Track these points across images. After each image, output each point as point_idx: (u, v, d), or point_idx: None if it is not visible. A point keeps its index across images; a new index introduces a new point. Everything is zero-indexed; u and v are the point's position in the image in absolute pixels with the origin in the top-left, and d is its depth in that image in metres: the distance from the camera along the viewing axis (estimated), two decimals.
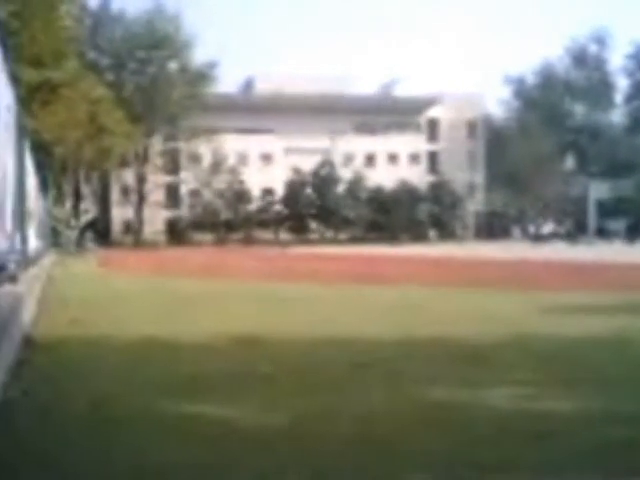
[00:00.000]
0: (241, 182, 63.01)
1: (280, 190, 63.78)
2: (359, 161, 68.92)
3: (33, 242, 15.16)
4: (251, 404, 5.12)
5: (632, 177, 69.88)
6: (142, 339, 8.23)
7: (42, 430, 4.39)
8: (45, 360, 6.81)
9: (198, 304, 12.47)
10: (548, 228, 65.37)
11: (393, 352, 7.38)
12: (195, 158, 63.16)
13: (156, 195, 62.66)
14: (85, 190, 46.31)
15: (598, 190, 66.56)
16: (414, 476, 3.63)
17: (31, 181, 14.99)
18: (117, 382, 5.87)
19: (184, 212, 64.42)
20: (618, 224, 64.34)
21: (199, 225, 61.77)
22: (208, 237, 60.75)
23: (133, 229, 61.53)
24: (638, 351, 7.68)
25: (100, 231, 50.97)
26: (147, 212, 61.81)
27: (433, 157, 73.55)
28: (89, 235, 42.82)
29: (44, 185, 26.86)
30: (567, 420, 4.68)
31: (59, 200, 45.73)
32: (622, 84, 77.42)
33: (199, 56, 61.02)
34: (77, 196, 49.33)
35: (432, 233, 64.30)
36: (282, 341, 8.07)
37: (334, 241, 60.57)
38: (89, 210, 46.79)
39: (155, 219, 63.02)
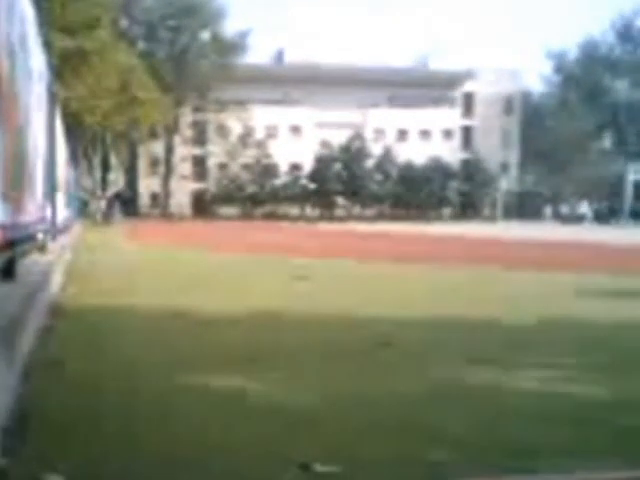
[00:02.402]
0: (268, 156, 62.86)
1: (308, 164, 63.38)
2: (391, 136, 68.15)
3: (62, 212, 15.35)
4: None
5: None
6: (170, 309, 8.16)
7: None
8: (72, 328, 6.84)
9: (225, 278, 12.25)
10: (582, 209, 64.53)
11: (425, 333, 7.21)
12: (223, 130, 63.15)
13: (183, 167, 63.02)
14: (113, 161, 46.60)
15: (636, 171, 65.55)
16: (446, 455, 3.55)
17: (61, 151, 15.15)
18: (141, 350, 5.89)
19: (211, 185, 64.54)
20: None
21: (225, 199, 61.95)
22: (233, 211, 60.95)
23: (160, 201, 62.01)
24: None
25: (127, 203, 51.46)
26: (174, 184, 62.11)
27: (467, 133, 72.66)
28: (117, 206, 43.22)
29: (74, 155, 27.06)
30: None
31: (88, 171, 46.08)
32: None
33: (230, 26, 60.94)
34: (105, 167, 49.73)
35: (458, 211, 63.64)
36: (307, 319, 7.82)
37: (361, 217, 60.21)
38: (118, 181, 47.10)
39: (182, 192, 63.39)
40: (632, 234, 36.33)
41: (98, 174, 47.19)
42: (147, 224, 41.34)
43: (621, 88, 75.83)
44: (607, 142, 73.61)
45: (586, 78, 73.02)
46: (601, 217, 59.69)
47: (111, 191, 46.46)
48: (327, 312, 8.29)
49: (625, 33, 75.34)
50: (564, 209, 62.77)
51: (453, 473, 3.28)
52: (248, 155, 62.92)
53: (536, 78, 77.70)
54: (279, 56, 71.24)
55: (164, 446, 3.44)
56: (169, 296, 9.33)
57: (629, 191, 64.04)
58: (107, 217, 42.06)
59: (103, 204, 44.01)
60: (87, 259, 15.51)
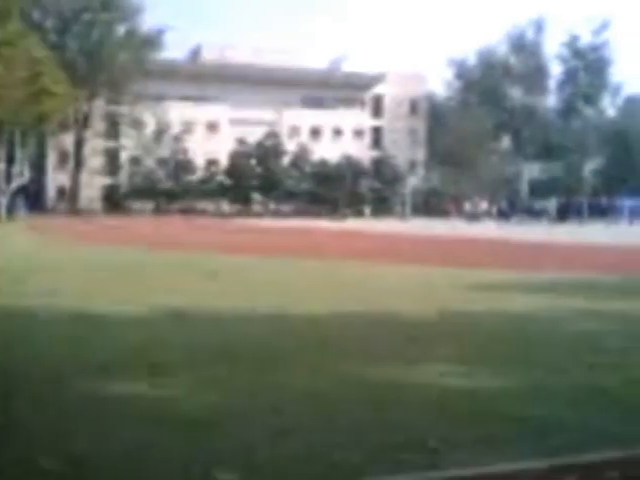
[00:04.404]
0: (184, 151, 58.60)
1: (225, 160, 59.31)
2: (305, 134, 65.40)
3: None
4: None
5: (563, 159, 69.55)
6: (69, 313, 7.42)
7: None
8: None
9: (126, 276, 11.49)
10: (484, 206, 64.07)
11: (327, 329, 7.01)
12: (138, 124, 58.68)
13: (94, 161, 58.10)
14: (20, 154, 42.00)
15: (531, 170, 65.75)
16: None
17: None
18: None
19: (123, 180, 59.40)
20: (549, 204, 63.44)
21: (138, 193, 56.79)
22: (147, 206, 56.29)
23: (68, 195, 56.74)
24: (569, 329, 7.46)
25: (33, 197, 46.99)
26: (84, 179, 56.74)
27: (377, 133, 70.94)
28: (20, 201, 38.60)
29: None
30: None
31: None
32: (556, 71, 76.53)
33: (147, 22, 57.55)
34: (10, 159, 45.07)
35: (371, 208, 62.11)
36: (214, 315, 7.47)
37: (277, 213, 57.39)
38: (23, 174, 42.29)
39: (92, 186, 58.00)
40: (528, 230, 36.24)
41: (2, 166, 42.27)
42: (51, 220, 37.71)
43: (516, 94, 76.08)
44: (505, 143, 73.97)
45: (484, 84, 72.88)
46: (501, 214, 59.28)
47: (15, 184, 41.61)
48: (230, 310, 7.82)
49: (519, 43, 75.56)
50: (467, 206, 62.22)
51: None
52: (163, 149, 58.67)
53: (440, 82, 76.41)
54: (195, 53, 67.56)
55: None
56: (68, 298, 8.51)
57: (525, 189, 64.12)
58: (10, 212, 37.57)
59: (6, 198, 39.29)
60: None
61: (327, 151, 62.69)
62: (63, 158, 58.19)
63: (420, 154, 71.04)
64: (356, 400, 4.50)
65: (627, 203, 54.83)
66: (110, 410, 4.12)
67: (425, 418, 4.18)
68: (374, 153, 67.65)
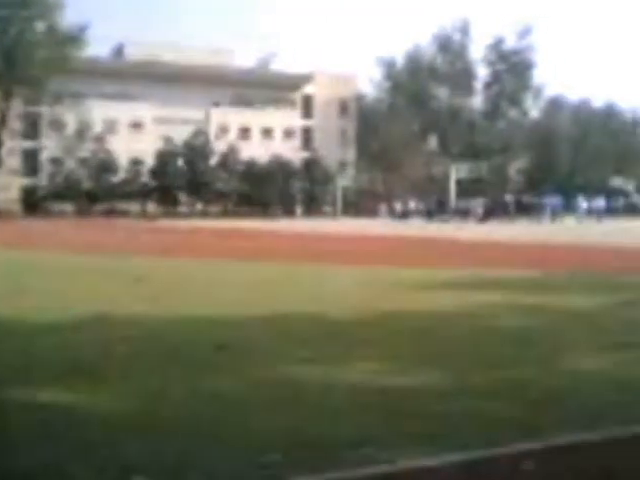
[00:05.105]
0: (107, 151, 56.78)
1: (150, 161, 57.72)
2: (234, 134, 64.41)
3: None
4: None
5: (488, 160, 70.81)
6: None
7: None
8: None
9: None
10: (411, 206, 64.59)
11: (253, 331, 6.93)
12: (58, 124, 56.59)
13: (13, 162, 55.65)
14: None
15: (459, 170, 66.63)
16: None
17: None
18: None
19: (43, 180, 57.12)
20: (476, 203, 64.42)
21: (59, 195, 54.61)
22: (69, 208, 54.31)
23: None
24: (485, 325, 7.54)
25: None
26: (2, 179, 54.03)
27: (307, 133, 70.63)
28: None
29: None
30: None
31: None
32: (482, 73, 77.79)
33: (69, 18, 55.37)
34: None
35: (302, 208, 61.70)
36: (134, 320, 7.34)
37: (204, 214, 56.27)
38: None
39: (11, 187, 55.52)
40: (454, 229, 36.65)
41: None
42: None
43: (443, 95, 77.05)
44: (433, 144, 74.76)
45: (412, 85, 73.49)
46: (429, 213, 59.76)
47: None
48: (160, 315, 7.66)
49: (445, 45, 76.51)
50: (397, 206, 62.56)
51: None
52: (85, 149, 56.71)
53: (369, 83, 76.67)
54: (119, 50, 65.68)
55: None
56: None
57: (452, 189, 64.90)
58: None
59: None
60: None
61: (257, 151, 61.93)
62: None
63: (350, 154, 71.14)
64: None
65: (549, 201, 56.05)
66: None
67: None
68: (304, 153, 67.37)
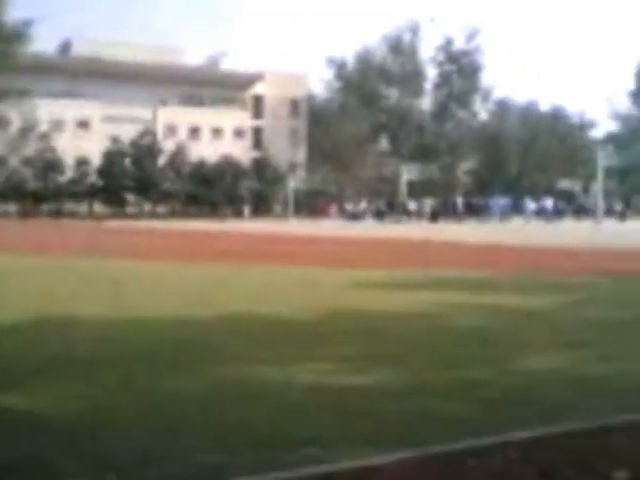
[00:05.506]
0: (53, 150, 55.38)
1: (97, 160, 56.40)
2: (183, 133, 63.67)
3: None
4: None
5: (437, 161, 71.52)
6: None
7: None
8: None
9: None
10: (362, 206, 64.81)
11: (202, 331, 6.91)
12: (2, 122, 54.69)
13: None
14: None
15: (409, 171, 67.09)
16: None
17: None
18: None
19: None
20: (425, 204, 65.07)
21: (2, 195, 52.70)
22: (12, 208, 52.88)
23: None
24: (439, 324, 7.64)
25: None
26: None
27: (257, 133, 70.31)
28: None
29: None
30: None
31: None
32: (432, 74, 78.46)
33: (13, 13, 53.66)
34: None
35: (252, 209, 61.14)
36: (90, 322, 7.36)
37: (153, 215, 55.35)
38: None
39: None
40: (402, 230, 36.87)
41: None
42: None
43: (393, 96, 77.48)
44: (384, 145, 75.06)
45: (362, 85, 73.73)
46: (379, 214, 59.99)
47: None
48: (112, 315, 7.67)
49: (396, 46, 76.95)
50: (348, 207, 62.64)
51: None
52: (30, 148, 55.23)
53: (320, 83, 76.57)
54: (66, 47, 64.14)
55: None
56: None
57: (402, 190, 65.32)
58: None
59: None
60: None
61: (206, 151, 61.24)
62: None
63: (301, 155, 70.94)
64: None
65: (498, 202, 56.96)
66: None
67: None
68: (255, 153, 66.90)
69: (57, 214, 52.44)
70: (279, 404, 4.40)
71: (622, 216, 54.16)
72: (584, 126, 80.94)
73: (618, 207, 57.52)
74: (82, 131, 60.71)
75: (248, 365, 5.45)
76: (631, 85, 77.49)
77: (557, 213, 55.56)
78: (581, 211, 57.82)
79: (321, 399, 4.51)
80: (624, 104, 78.03)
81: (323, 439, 3.70)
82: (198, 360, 5.64)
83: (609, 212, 53.47)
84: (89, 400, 4.52)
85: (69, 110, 59.63)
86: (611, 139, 68.38)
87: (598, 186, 51.87)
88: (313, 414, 4.21)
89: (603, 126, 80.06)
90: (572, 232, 33.17)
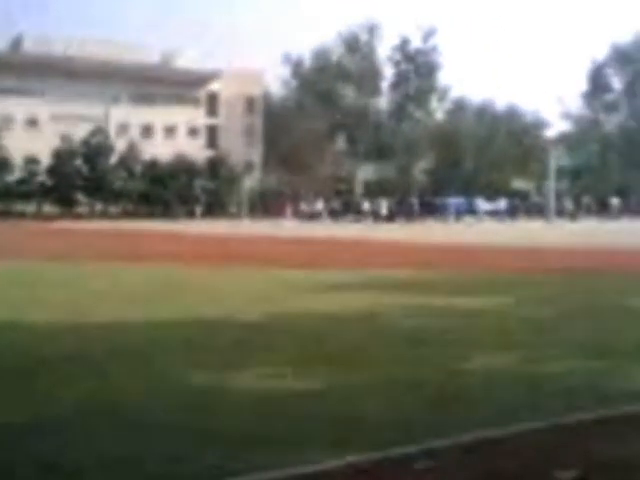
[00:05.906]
0: (1, 148, 53.99)
1: (46, 159, 55.18)
2: (135, 132, 62.70)
3: None
4: None
5: (394, 160, 71.76)
6: None
7: None
8: None
9: None
10: (318, 206, 64.66)
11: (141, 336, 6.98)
12: None
13: None
14: None
15: (366, 171, 67.19)
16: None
17: None
18: None
19: None
20: (381, 204, 65.22)
21: None
22: None
23: None
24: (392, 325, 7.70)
25: None
26: None
27: (212, 132, 69.64)
28: None
29: None
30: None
31: None
32: (389, 73, 78.64)
33: None
34: None
35: (206, 209, 60.36)
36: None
37: (104, 215, 54.39)
38: None
39: None
40: (357, 230, 37.20)
41: None
42: None
43: (350, 95, 77.46)
44: (340, 144, 74.96)
45: (319, 84, 73.63)
46: (335, 214, 59.93)
47: None
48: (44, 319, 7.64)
49: (353, 44, 76.97)
50: (304, 207, 62.37)
51: None
52: None
53: (277, 81, 76.12)
54: (16, 43, 62.60)
55: None
56: None
57: (359, 190, 65.44)
58: None
59: None
60: None
61: (159, 150, 60.25)
62: None
63: (257, 154, 70.46)
64: None
65: (453, 202, 57.42)
66: None
67: None
68: (209, 152, 66.17)
69: (5, 215, 51.10)
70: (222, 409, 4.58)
71: (573, 216, 55.05)
72: (538, 125, 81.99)
73: (570, 207, 58.41)
74: (31, 129, 59.55)
75: (193, 370, 5.51)
76: (583, 86, 78.92)
77: (511, 212, 56.26)
78: (534, 210, 58.55)
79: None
80: (576, 104, 79.49)
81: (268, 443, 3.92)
82: None
83: (561, 212, 54.29)
84: None
85: (18, 108, 58.39)
86: (563, 139, 69.46)
87: (550, 186, 52.63)
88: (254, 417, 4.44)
89: (556, 126, 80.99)
90: (522, 232, 33.52)
